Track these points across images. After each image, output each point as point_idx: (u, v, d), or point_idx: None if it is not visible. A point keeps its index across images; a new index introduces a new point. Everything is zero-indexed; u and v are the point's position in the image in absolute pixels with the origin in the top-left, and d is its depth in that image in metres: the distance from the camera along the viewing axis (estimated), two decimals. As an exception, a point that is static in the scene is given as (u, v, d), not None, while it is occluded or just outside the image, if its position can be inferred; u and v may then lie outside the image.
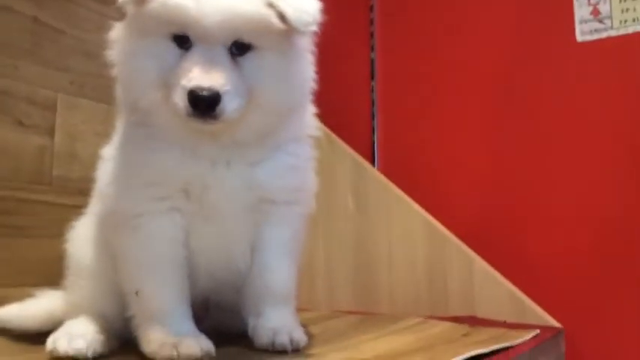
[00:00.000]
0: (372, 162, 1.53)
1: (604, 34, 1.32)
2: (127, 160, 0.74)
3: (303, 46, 0.76)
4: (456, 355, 0.73)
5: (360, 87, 1.60)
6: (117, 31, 0.72)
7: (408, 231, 1.31)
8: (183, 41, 0.68)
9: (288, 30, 0.68)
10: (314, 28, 0.70)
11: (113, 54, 0.72)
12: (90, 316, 0.78)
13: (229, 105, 0.65)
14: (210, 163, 0.73)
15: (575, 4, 1.35)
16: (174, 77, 0.67)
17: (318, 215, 1.40)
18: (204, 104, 0.64)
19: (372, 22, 1.61)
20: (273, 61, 0.70)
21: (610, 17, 1.33)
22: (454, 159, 1.44)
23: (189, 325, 0.74)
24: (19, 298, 0.91)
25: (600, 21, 1.34)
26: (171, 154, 0.72)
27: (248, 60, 0.69)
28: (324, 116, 1.47)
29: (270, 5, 0.67)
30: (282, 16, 0.67)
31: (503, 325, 1.10)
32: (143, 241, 0.74)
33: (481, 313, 1.20)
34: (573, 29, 1.35)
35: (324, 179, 1.42)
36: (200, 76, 0.65)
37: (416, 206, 1.33)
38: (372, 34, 1.61)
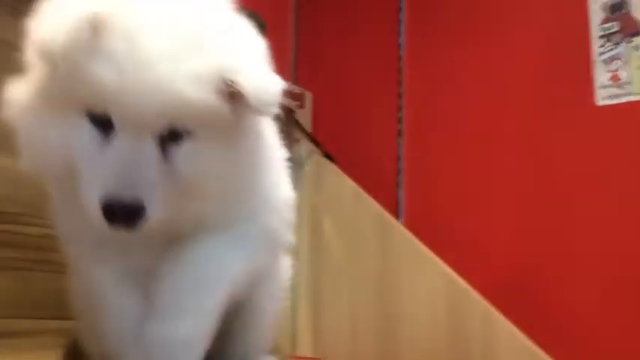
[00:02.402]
0: (397, 216, 1.57)
1: (623, 99, 1.37)
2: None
3: (250, 125, 0.59)
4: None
5: (387, 143, 1.66)
6: (19, 91, 0.55)
7: (430, 286, 1.34)
8: (103, 123, 0.53)
9: (238, 114, 0.54)
10: (275, 110, 0.55)
11: (12, 115, 0.55)
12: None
13: (155, 211, 0.53)
14: (144, 250, 0.61)
15: (596, 71, 1.41)
16: (89, 168, 0.53)
17: (342, 265, 1.46)
18: (121, 218, 0.52)
19: (400, 82, 1.69)
20: (214, 150, 0.55)
21: (630, 83, 1.37)
22: (478, 216, 1.47)
23: None
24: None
25: (620, 86, 1.38)
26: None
27: (182, 150, 0.54)
28: (350, 170, 1.56)
29: (224, 86, 0.52)
30: (234, 96, 0.53)
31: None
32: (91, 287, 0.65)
33: (501, 369, 1.21)
34: (593, 93, 1.40)
35: (348, 231, 1.48)
36: (119, 183, 0.51)
37: (439, 262, 1.36)
38: (400, 94, 1.68)
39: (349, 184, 1.53)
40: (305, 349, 1.48)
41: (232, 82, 0.51)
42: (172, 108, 0.51)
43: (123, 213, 0.51)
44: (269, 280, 0.76)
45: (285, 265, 0.83)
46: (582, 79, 1.41)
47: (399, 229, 1.44)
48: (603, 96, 1.39)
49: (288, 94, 1.64)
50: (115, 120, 0.52)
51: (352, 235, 1.48)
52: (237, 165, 0.59)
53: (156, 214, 0.52)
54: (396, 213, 1.58)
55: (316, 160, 1.58)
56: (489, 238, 1.44)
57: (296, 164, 1.55)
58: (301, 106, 1.58)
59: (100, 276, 0.64)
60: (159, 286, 0.60)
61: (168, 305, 0.60)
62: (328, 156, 1.58)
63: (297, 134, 1.58)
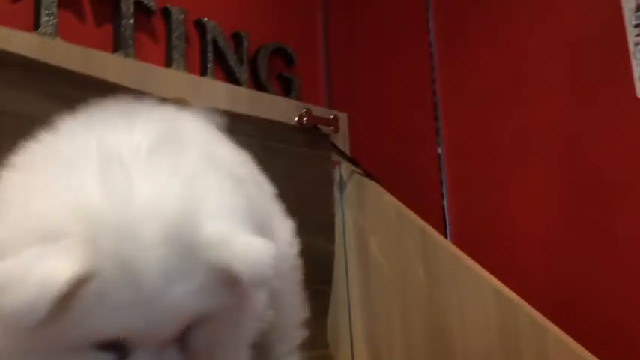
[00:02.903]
0: (444, 231, 1.57)
1: (665, 89, 1.31)
2: None
3: (251, 295, 0.59)
4: None
5: (427, 156, 1.66)
6: None
7: (479, 301, 1.33)
8: (111, 346, 0.52)
9: (240, 294, 0.56)
10: (271, 278, 0.54)
11: None
12: None
13: None
14: None
15: (634, 61, 1.35)
16: None
17: (391, 283, 1.48)
18: None
19: (434, 92, 1.68)
20: (221, 327, 0.57)
21: (671, 70, 1.31)
22: (524, 226, 1.44)
23: None
24: None
25: (660, 76, 1.32)
26: None
27: (194, 335, 0.55)
28: (392, 188, 1.57)
29: (226, 281, 0.53)
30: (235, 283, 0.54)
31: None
32: None
33: (557, 382, 1.19)
34: (633, 85, 1.34)
35: (394, 249, 1.49)
36: None
37: (487, 275, 1.34)
38: (435, 104, 1.67)
39: (391, 201, 1.54)
40: (364, 366, 1.51)
41: (230, 274, 0.52)
42: (190, 318, 0.53)
43: None
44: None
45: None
46: (620, 71, 1.36)
47: (443, 244, 1.44)
48: (644, 87, 1.34)
49: (322, 120, 1.67)
50: (131, 343, 0.51)
51: (397, 253, 1.50)
52: (242, 337, 0.62)
53: None
54: (442, 228, 1.57)
55: (357, 181, 1.60)
56: (536, 248, 1.41)
57: (337, 187, 1.59)
58: (336, 131, 1.61)
59: None
60: None
61: None
62: (369, 176, 1.60)
63: (336, 157, 1.61)
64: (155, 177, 0.53)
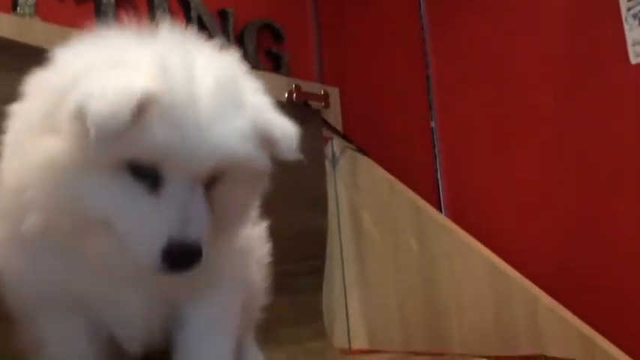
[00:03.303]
0: (439, 204, 1.55)
1: (659, 54, 1.28)
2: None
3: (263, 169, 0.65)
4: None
5: (420, 129, 1.64)
6: (42, 148, 0.56)
7: (473, 274, 1.33)
8: (146, 176, 0.57)
9: (267, 158, 0.62)
10: (297, 153, 0.64)
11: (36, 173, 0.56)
12: None
13: (207, 252, 0.57)
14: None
15: (626, 26, 1.32)
16: (138, 218, 0.56)
17: (386, 257, 1.47)
18: (183, 262, 0.55)
19: (427, 65, 1.66)
20: (244, 187, 0.63)
21: (665, 35, 1.28)
22: (518, 199, 1.42)
23: None
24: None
25: (654, 41, 1.30)
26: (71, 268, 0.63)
27: (220, 190, 0.61)
28: (385, 162, 1.56)
29: (262, 139, 0.60)
30: (268, 146, 0.61)
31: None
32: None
33: (551, 352, 1.19)
34: (626, 51, 1.32)
35: (387, 223, 1.49)
36: (181, 229, 0.55)
37: (479, 247, 1.34)
38: (427, 77, 1.65)
39: (384, 176, 1.53)
40: (360, 341, 1.51)
41: (269, 136, 0.61)
42: (224, 162, 0.58)
43: (185, 257, 0.55)
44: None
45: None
46: (614, 38, 1.33)
47: (437, 218, 1.43)
48: (637, 53, 1.31)
49: (312, 96, 1.65)
50: (168, 173, 0.56)
51: (391, 227, 1.49)
52: (250, 206, 0.69)
53: (205, 256, 0.56)
54: (437, 201, 1.56)
55: (350, 156, 1.59)
56: (531, 218, 1.40)
57: (330, 163, 1.58)
58: (327, 106, 1.59)
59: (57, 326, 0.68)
60: None
61: None
62: (361, 150, 1.59)
63: (328, 133, 1.60)
64: (207, 53, 0.63)
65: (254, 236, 0.86)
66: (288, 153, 0.62)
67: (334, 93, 1.65)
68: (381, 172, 1.54)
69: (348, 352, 1.42)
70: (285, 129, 0.63)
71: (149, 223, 0.56)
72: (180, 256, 0.55)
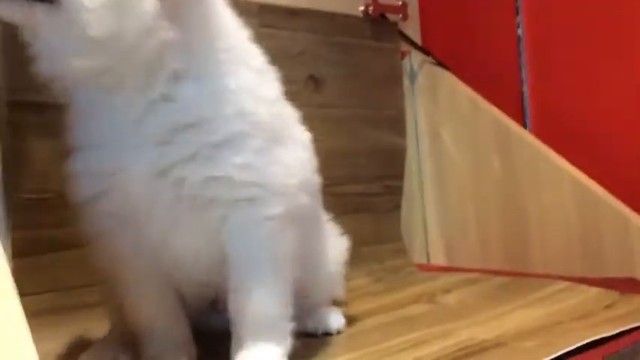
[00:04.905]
0: (523, 123, 1.48)
1: None
2: None
3: None
4: (576, 339, 0.75)
5: (506, 45, 1.52)
6: None
7: (557, 192, 1.28)
8: None
9: None
10: None
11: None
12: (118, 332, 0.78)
13: None
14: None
15: None
16: None
17: (465, 175, 1.44)
18: None
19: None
20: None
21: None
22: (609, 115, 1.33)
23: (171, 340, 0.72)
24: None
25: None
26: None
27: None
28: (468, 78, 1.48)
29: None
30: None
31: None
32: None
33: (640, 274, 1.15)
34: None
35: (468, 140, 1.44)
36: None
37: (566, 165, 1.28)
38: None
39: (466, 92, 1.47)
40: (439, 258, 1.53)
41: None
42: None
43: None
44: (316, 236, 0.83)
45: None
46: None
47: (520, 134, 1.37)
48: None
49: (389, 8, 1.58)
50: None
51: (472, 144, 1.45)
52: None
53: None
54: (521, 115, 1.48)
55: (429, 71, 1.53)
56: (623, 136, 1.31)
57: (408, 78, 1.53)
58: (405, 18, 1.51)
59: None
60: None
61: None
62: (441, 64, 1.51)
63: (406, 46, 1.53)
64: None
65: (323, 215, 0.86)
66: None
67: (413, 2, 1.56)
68: (462, 87, 1.47)
69: (426, 268, 1.44)
70: None
71: None
72: None
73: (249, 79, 0.67)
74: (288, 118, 0.75)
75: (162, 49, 0.61)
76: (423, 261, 1.52)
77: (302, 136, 0.77)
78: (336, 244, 0.89)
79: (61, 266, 0.92)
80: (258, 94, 0.67)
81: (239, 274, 0.67)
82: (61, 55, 0.59)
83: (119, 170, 0.64)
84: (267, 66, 0.72)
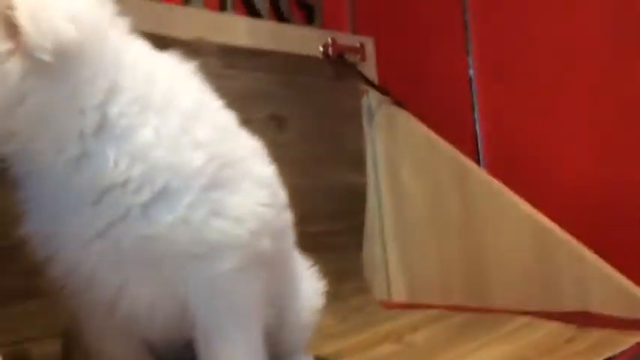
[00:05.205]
0: (477, 159, 1.53)
1: None
2: None
3: None
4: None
5: (458, 81, 1.59)
6: None
7: (515, 229, 1.31)
8: None
9: None
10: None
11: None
12: None
13: None
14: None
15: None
16: None
17: (424, 211, 1.47)
18: None
19: (464, 9, 1.59)
20: None
21: None
22: (560, 150, 1.40)
23: None
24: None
25: None
26: None
27: None
28: (423, 116, 1.53)
29: None
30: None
31: (618, 323, 1.09)
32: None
33: (594, 308, 1.19)
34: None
35: (426, 178, 1.48)
36: None
37: (522, 203, 1.32)
38: (465, 23, 1.58)
39: (422, 130, 1.51)
40: (400, 295, 1.54)
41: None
42: None
43: None
44: (289, 283, 0.80)
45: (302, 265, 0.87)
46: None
47: (476, 171, 1.41)
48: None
49: (348, 49, 1.61)
50: None
51: (430, 181, 1.48)
52: None
53: None
54: (475, 155, 1.53)
55: (386, 110, 1.56)
56: (575, 173, 1.37)
57: (366, 117, 1.56)
58: (363, 59, 1.55)
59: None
60: None
61: None
62: (398, 103, 1.55)
63: (363, 86, 1.56)
64: None
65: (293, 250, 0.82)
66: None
67: (369, 44, 1.60)
68: (418, 125, 1.51)
69: (389, 305, 1.45)
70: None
71: None
72: None
73: (174, 125, 0.61)
74: (240, 154, 0.67)
75: (44, 114, 0.58)
76: (385, 297, 1.53)
77: (261, 170, 0.70)
78: (310, 290, 0.87)
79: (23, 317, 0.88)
80: (187, 140, 0.62)
81: (203, 326, 0.65)
82: None
83: (59, 233, 0.62)
84: (206, 101, 0.67)
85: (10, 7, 0.52)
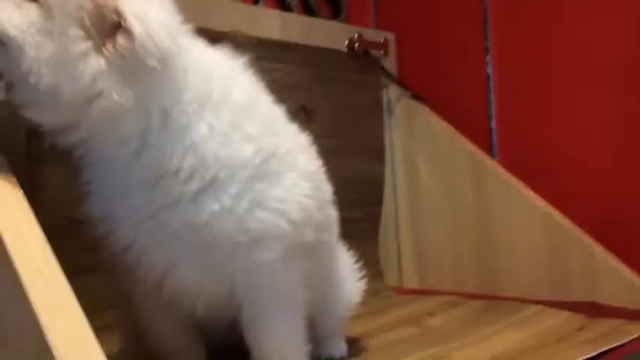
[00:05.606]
0: (491, 152, 1.59)
1: None
2: None
3: None
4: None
5: (477, 78, 1.63)
6: None
7: (528, 223, 1.38)
8: None
9: None
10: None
11: None
12: None
13: None
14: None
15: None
16: None
17: (440, 204, 1.53)
18: None
19: (485, 9, 1.63)
20: None
21: None
22: (575, 149, 1.45)
23: None
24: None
25: None
26: None
27: None
28: (441, 111, 1.58)
29: None
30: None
31: (624, 313, 1.15)
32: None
33: (602, 299, 1.25)
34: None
35: (443, 171, 1.53)
36: None
37: (536, 198, 1.38)
38: (485, 22, 1.63)
39: (440, 124, 1.56)
40: (412, 282, 1.60)
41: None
42: None
43: None
44: (329, 270, 0.84)
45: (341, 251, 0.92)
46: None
47: (492, 166, 1.47)
48: None
49: (373, 44, 1.65)
50: None
51: (446, 173, 1.54)
52: None
53: None
54: (489, 150, 1.59)
55: (405, 104, 1.62)
56: (588, 168, 1.43)
57: (386, 111, 1.61)
58: (386, 54, 1.60)
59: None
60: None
61: None
62: (417, 98, 1.61)
63: (384, 80, 1.61)
64: None
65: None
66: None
67: (391, 39, 1.65)
68: (436, 120, 1.57)
69: (402, 291, 1.51)
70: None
71: None
72: None
73: (226, 120, 0.66)
74: (287, 147, 0.70)
75: (113, 113, 0.62)
76: (396, 284, 1.60)
77: (306, 164, 0.73)
78: (351, 282, 0.92)
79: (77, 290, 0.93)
80: (238, 134, 0.66)
81: (249, 309, 0.70)
82: (25, 105, 0.63)
83: (116, 213, 0.67)
84: (257, 96, 0.71)
85: (116, 11, 0.57)
